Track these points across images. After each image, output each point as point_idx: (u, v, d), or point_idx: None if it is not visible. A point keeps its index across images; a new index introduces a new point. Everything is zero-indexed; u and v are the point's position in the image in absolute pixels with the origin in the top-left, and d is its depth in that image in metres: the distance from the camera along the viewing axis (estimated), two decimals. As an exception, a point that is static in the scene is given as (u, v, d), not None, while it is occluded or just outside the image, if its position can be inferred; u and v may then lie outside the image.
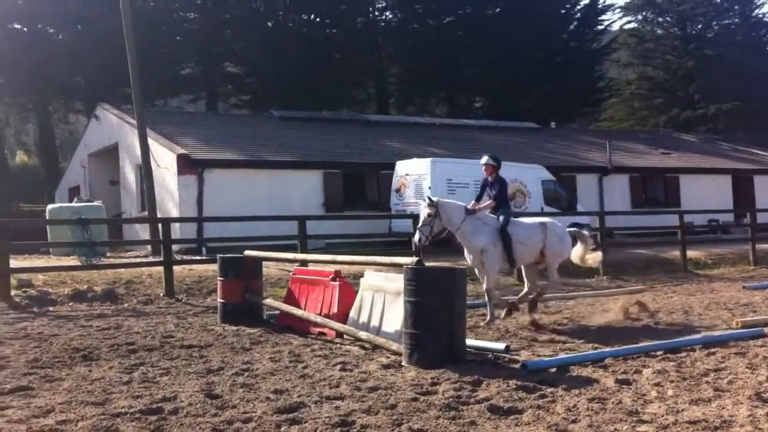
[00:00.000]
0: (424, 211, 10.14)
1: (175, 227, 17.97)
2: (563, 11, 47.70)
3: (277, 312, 10.42)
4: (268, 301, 10.77)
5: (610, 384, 6.49)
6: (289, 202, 20.89)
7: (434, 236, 10.21)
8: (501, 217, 10.32)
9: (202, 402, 6.00)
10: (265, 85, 39.75)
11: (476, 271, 10.62)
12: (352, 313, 9.00)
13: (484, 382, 6.46)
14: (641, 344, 8.29)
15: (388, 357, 7.67)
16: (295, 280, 10.52)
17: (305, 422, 5.41)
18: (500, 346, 7.91)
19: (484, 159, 10.90)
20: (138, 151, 20.88)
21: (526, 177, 22.57)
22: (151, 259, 16.15)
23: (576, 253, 11.18)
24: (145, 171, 20.15)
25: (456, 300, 7.29)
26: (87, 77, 33.69)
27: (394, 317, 8.15)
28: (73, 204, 21.96)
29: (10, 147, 42.74)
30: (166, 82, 36.50)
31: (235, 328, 9.87)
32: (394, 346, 7.62)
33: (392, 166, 22.43)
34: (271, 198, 21.27)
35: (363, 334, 8.27)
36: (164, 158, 21.95)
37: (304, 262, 11.34)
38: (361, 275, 9.61)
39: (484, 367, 7.10)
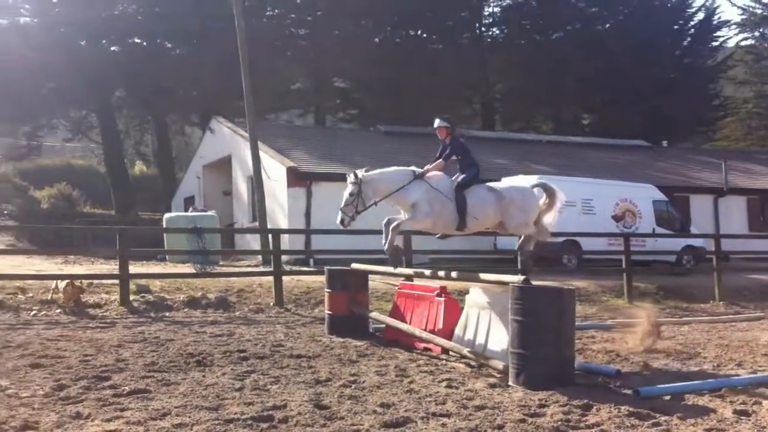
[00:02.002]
0: (347, 190, 9.52)
1: (285, 238, 18.41)
2: (676, 27, 46.34)
3: (383, 325, 10.54)
4: (374, 314, 10.90)
5: (728, 414, 6.26)
6: (395, 216, 21.02)
7: (360, 213, 9.64)
8: (461, 176, 9.68)
9: (311, 412, 6.14)
10: (371, 99, 40.25)
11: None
12: (458, 330, 9.01)
13: (594, 407, 6.35)
14: (761, 374, 7.95)
15: (494, 376, 7.65)
16: (401, 295, 10.62)
17: (412, 437, 5.48)
18: (611, 370, 7.75)
19: (436, 123, 10.18)
20: (250, 163, 21.55)
21: (637, 197, 22.04)
22: (261, 268, 16.60)
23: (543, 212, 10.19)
24: (257, 183, 20.75)
25: (564, 320, 7.20)
26: (202, 91, 34.94)
27: (500, 336, 8.12)
28: (189, 213, 22.85)
29: (130, 157, 44.68)
30: (277, 97, 37.46)
31: (341, 339, 10.04)
32: (501, 365, 7.58)
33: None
34: (376, 212, 21.45)
35: (468, 352, 8.27)
36: (275, 170, 22.54)
37: (409, 277, 11.43)
38: (466, 292, 9.61)
39: (594, 392, 6.97)
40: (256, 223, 21.39)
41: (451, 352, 8.80)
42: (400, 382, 7.39)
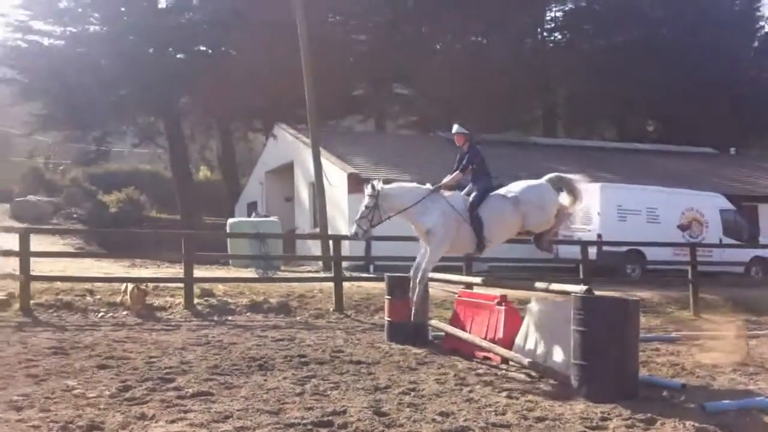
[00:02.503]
0: (364, 202, 9.46)
1: (345, 244, 18.48)
2: (745, 33, 45.12)
3: (442, 333, 10.52)
4: (434, 321, 10.89)
5: (796, 433, 6.09)
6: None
7: (374, 226, 9.57)
8: (472, 195, 9.47)
9: (370, 418, 6.16)
10: (432, 106, 40.21)
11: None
12: (518, 340, 8.94)
13: (659, 421, 6.21)
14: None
15: (555, 387, 7.56)
16: (461, 303, 10.57)
17: (471, 447, 5.46)
18: (676, 383, 7.59)
19: (454, 128, 10.07)
20: (311, 170, 21.77)
21: (704, 206, 21.56)
22: (322, 274, 16.75)
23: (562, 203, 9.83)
24: (318, 189, 20.95)
25: (628, 332, 7.07)
26: (265, 98, 35.40)
27: (561, 346, 8.01)
28: (252, 218, 23.19)
29: (195, 163, 45.52)
30: (339, 103, 37.70)
31: (401, 347, 10.05)
32: (562, 377, 7.50)
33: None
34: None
35: (529, 362, 8.20)
36: (336, 177, 22.72)
37: (469, 285, 11.38)
38: (527, 301, 9.53)
39: (658, 406, 6.82)
40: (317, 229, 21.58)
41: (511, 362, 8.73)
42: (459, 390, 7.36)
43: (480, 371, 8.50)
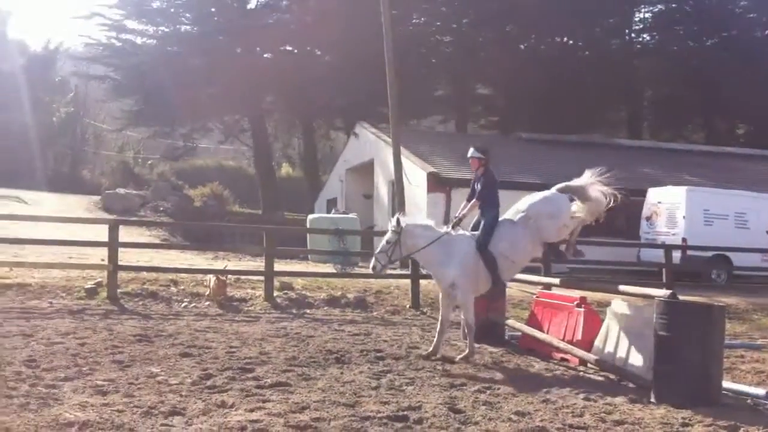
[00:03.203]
0: (386, 237, 9.15)
1: (422, 243, 18.50)
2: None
3: (519, 333, 10.43)
4: (511, 321, 10.80)
5: None
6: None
7: (393, 262, 9.34)
8: (479, 232, 9.04)
9: (446, 415, 6.16)
10: (514, 106, 39.84)
11: (440, 297, 9.38)
12: (597, 342, 8.78)
13: (741, 429, 6.03)
14: None
15: (634, 391, 7.40)
16: (539, 303, 10.46)
17: (547, 447, 5.40)
18: (760, 391, 7.34)
19: (470, 152, 9.58)
20: (392, 168, 21.80)
21: (795, 211, 20.71)
22: (399, 271, 16.77)
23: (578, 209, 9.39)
24: (397, 187, 20.93)
25: (712, 338, 6.89)
26: (348, 97, 35.71)
27: (642, 350, 7.85)
28: (331, 215, 23.42)
29: (278, 160, 46.25)
30: (420, 103, 37.74)
31: (477, 345, 9.99)
32: (642, 381, 7.35)
33: (643, 193, 21.58)
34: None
35: (608, 365, 8.05)
36: (416, 176, 22.73)
37: (548, 286, 11.25)
38: (607, 303, 9.36)
39: (742, 413, 6.62)
40: (396, 227, 21.62)
41: (589, 364, 8.59)
42: (536, 391, 7.29)
43: (557, 372, 8.40)
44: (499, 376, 8.03)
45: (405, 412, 6.20)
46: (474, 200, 9.29)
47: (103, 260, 13.85)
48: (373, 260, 9.18)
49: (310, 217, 23.39)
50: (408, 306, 13.90)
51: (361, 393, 6.89)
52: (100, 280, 13.48)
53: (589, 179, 9.47)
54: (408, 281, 14.46)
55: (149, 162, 46.13)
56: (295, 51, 38.31)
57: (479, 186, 9.38)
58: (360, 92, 34.15)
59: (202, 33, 35.92)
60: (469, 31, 39.80)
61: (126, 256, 14.08)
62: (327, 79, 35.10)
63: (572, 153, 27.78)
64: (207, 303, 13.02)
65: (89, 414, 5.83)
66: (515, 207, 9.46)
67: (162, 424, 5.68)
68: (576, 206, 9.42)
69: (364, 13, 31.94)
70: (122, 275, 13.60)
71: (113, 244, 13.27)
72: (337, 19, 33.40)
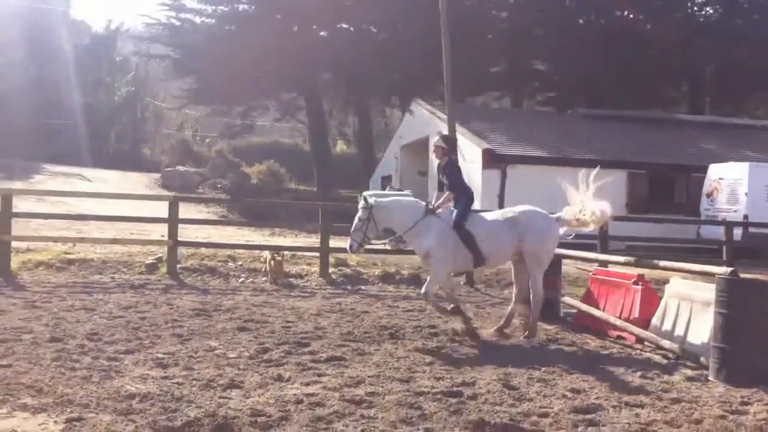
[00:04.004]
0: (357, 215, 9.09)
1: (477, 219, 18.43)
2: None
3: (574, 310, 10.34)
4: (566, 299, 10.71)
5: None
6: (589, 201, 20.44)
7: (374, 239, 9.33)
8: (454, 212, 8.95)
9: (500, 391, 6.16)
10: (571, 82, 39.18)
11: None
12: (655, 320, 8.66)
13: (803, 408, 5.91)
14: None
15: (692, 369, 7.30)
16: (595, 281, 10.34)
17: (603, 425, 5.36)
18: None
19: (435, 140, 9.50)
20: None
21: None
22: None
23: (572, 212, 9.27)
24: (452, 164, 20.92)
25: (774, 316, 6.73)
26: (403, 74, 35.56)
27: (701, 328, 7.73)
28: (386, 192, 23.44)
29: (333, 137, 46.41)
30: (476, 80, 37.37)
31: (531, 322, 9.95)
32: (701, 359, 7.23)
33: (704, 169, 21.15)
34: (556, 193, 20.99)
35: (666, 343, 7.94)
36: (471, 152, 22.61)
37: (604, 263, 11.10)
38: (665, 281, 9.22)
39: (805, 393, 6.49)
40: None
41: (646, 342, 8.48)
42: (591, 368, 7.23)
43: (613, 350, 8.32)
44: (553, 353, 7.99)
45: (459, 388, 6.22)
46: (447, 193, 9.16)
47: (163, 236, 14.14)
48: (349, 239, 9.14)
49: (365, 194, 23.46)
50: (462, 283, 13.87)
51: (416, 368, 6.93)
52: (160, 255, 13.78)
53: (580, 204, 9.35)
54: (463, 258, 14.41)
55: (207, 140, 46.78)
56: (351, 29, 38.24)
57: (446, 178, 9.32)
58: (415, 69, 33.97)
59: (259, 11, 36.09)
60: (527, 5, 39.17)
61: (185, 233, 14.35)
62: (382, 56, 35.00)
63: (632, 129, 27.32)
64: (264, 279, 13.20)
65: (150, 386, 5.99)
66: (509, 209, 9.55)
67: (220, 397, 5.80)
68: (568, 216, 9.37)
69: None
70: (182, 251, 13.88)
71: (173, 221, 13.53)
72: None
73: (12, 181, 25.35)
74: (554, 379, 6.69)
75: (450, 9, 21.29)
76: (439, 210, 9.05)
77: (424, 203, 9.25)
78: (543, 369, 7.09)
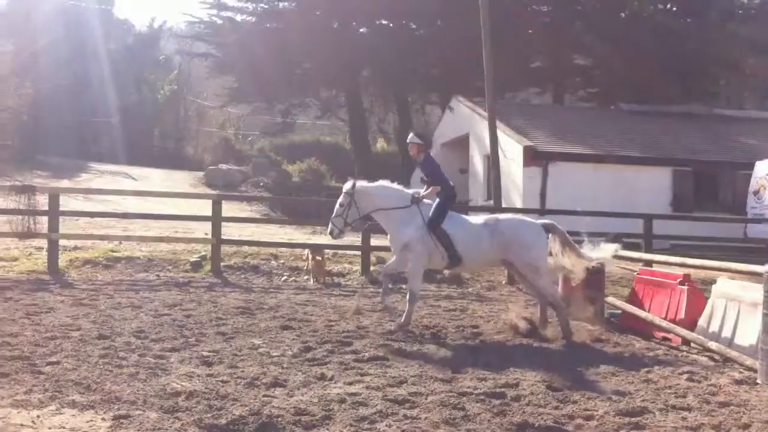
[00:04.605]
0: (339, 200, 9.16)
1: (519, 218, 18.30)
2: None
3: (619, 311, 10.23)
4: (610, 299, 10.59)
5: None
6: (633, 199, 20.18)
7: (354, 224, 9.28)
8: (431, 210, 8.92)
9: (544, 393, 6.13)
10: (613, 77, 38.66)
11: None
12: (701, 321, 8.54)
13: None
14: None
15: (741, 372, 7.18)
16: (640, 281, 10.22)
17: (648, 429, 5.31)
18: None
19: (409, 137, 9.50)
20: (487, 142, 21.62)
21: None
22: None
23: (559, 257, 9.05)
24: (493, 161, 20.75)
25: (825, 318, 6.59)
26: (443, 70, 35.45)
27: (749, 330, 7.60)
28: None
29: (373, 134, 46.43)
30: (516, 75, 37.09)
31: (575, 323, 9.84)
32: (749, 362, 7.11)
33: (750, 167, 20.72)
34: (614, 194, 20.77)
35: (713, 345, 7.82)
36: (511, 149, 22.46)
37: (649, 263, 10.96)
38: (711, 281, 9.07)
39: None
40: (491, 202, 21.47)
41: (692, 344, 8.36)
42: (636, 370, 7.15)
43: (659, 352, 8.21)
44: (598, 354, 7.91)
45: (502, 389, 6.20)
46: (432, 187, 9.12)
47: (206, 234, 14.31)
48: (330, 225, 9.20)
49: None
50: (504, 282, 13.81)
51: (458, 369, 6.92)
52: (204, 253, 13.94)
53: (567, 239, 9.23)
54: (504, 257, 14.33)
55: (249, 138, 47.12)
56: (391, 25, 38.22)
57: (425, 175, 9.36)
58: (455, 65, 33.84)
59: (299, 8, 36.26)
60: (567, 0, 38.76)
61: (228, 231, 14.50)
62: (422, 52, 34.92)
63: (675, 125, 26.88)
64: (306, 277, 13.28)
65: (195, 384, 6.08)
66: (490, 216, 9.58)
67: (264, 395, 5.86)
68: (554, 246, 9.17)
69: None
70: (225, 249, 14.02)
71: (217, 219, 13.69)
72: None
73: (59, 179, 25.82)
74: (599, 381, 6.64)
75: (491, 4, 21.17)
76: (427, 200, 9.08)
77: (410, 191, 9.28)
78: (588, 370, 7.03)
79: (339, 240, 9.85)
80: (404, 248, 8.96)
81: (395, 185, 9.44)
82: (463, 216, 9.49)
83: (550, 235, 9.20)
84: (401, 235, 8.95)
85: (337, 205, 9.16)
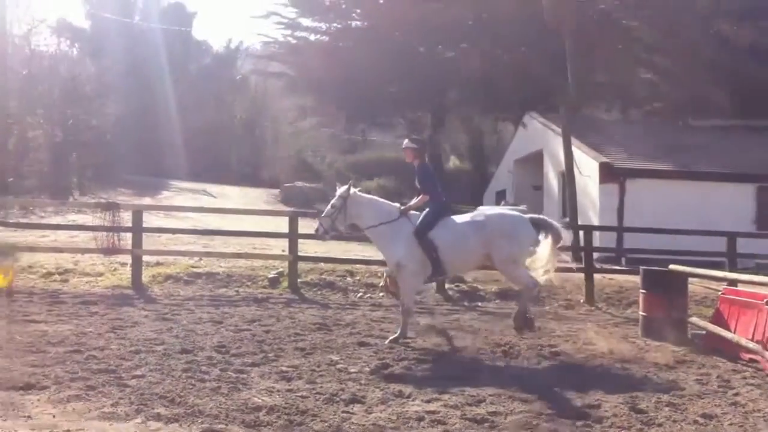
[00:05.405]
0: (332, 201, 9.13)
1: (596, 235, 18.04)
2: None
3: (703, 331, 9.94)
4: (694, 319, 10.31)
5: None
6: (714, 217, 19.62)
7: (340, 230, 9.22)
8: (420, 219, 8.82)
9: (627, 415, 6.01)
10: (682, 92, 37.76)
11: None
12: (792, 343, 8.22)
13: None
14: None
15: (836, 397, 6.89)
16: (725, 301, 9.91)
17: (738, 453, 5.15)
18: None
19: (405, 143, 9.32)
20: (561, 158, 21.42)
21: None
22: (570, 265, 16.43)
23: (541, 254, 8.86)
24: (568, 178, 20.58)
25: None
26: (521, 89, 35.22)
27: (843, 354, 7.29)
28: (501, 207, 23.25)
29: (446, 152, 46.41)
30: (589, 91, 36.60)
31: (657, 343, 9.62)
32: (844, 387, 6.83)
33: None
34: (694, 211, 20.24)
35: (804, 368, 7.53)
36: (586, 166, 22.16)
37: (734, 282, 10.63)
38: (803, 301, 8.74)
39: None
40: (567, 219, 21.22)
41: (782, 367, 8.06)
42: (723, 393, 6.95)
43: (746, 374, 7.94)
44: (682, 376, 7.70)
45: (584, 410, 6.10)
46: (422, 195, 9.08)
47: (283, 251, 14.51)
48: (317, 223, 9.26)
49: (479, 209, 23.32)
50: (582, 301, 13.59)
51: (537, 389, 6.82)
52: (281, 269, 14.14)
53: (565, 236, 9.40)
54: (581, 275, 14.12)
55: (324, 156, 47.70)
56: (473, 48, 38.18)
57: (417, 180, 9.25)
58: (532, 84, 33.60)
59: (373, 28, 36.57)
60: (639, 14, 38.03)
61: (304, 247, 14.66)
62: (505, 74, 34.74)
63: (752, 140, 26.09)
64: (381, 294, 13.33)
65: (276, 399, 6.16)
66: (478, 211, 9.51)
67: (343, 411, 5.91)
68: (544, 242, 9.01)
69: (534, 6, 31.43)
70: (302, 265, 14.18)
71: (293, 236, 13.87)
72: (509, 16, 32.95)
73: (141, 197, 26.62)
74: (684, 404, 6.46)
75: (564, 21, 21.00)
76: (411, 212, 9.06)
77: (398, 205, 9.26)
78: (672, 392, 6.86)
79: (323, 240, 9.84)
80: (397, 267, 8.97)
81: (385, 201, 9.45)
82: (451, 217, 9.31)
83: (542, 233, 9.05)
84: (393, 255, 8.98)
85: (329, 206, 9.25)
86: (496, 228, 8.96)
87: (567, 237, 9.38)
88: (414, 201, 9.19)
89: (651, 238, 17.64)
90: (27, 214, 22.44)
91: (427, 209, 9.00)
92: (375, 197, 9.49)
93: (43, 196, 25.28)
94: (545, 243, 9.02)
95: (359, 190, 9.44)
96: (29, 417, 5.48)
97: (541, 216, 9.66)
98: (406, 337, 8.97)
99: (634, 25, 36.91)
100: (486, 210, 9.49)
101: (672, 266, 10.75)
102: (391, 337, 8.99)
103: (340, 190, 9.23)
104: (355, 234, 10.35)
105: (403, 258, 8.86)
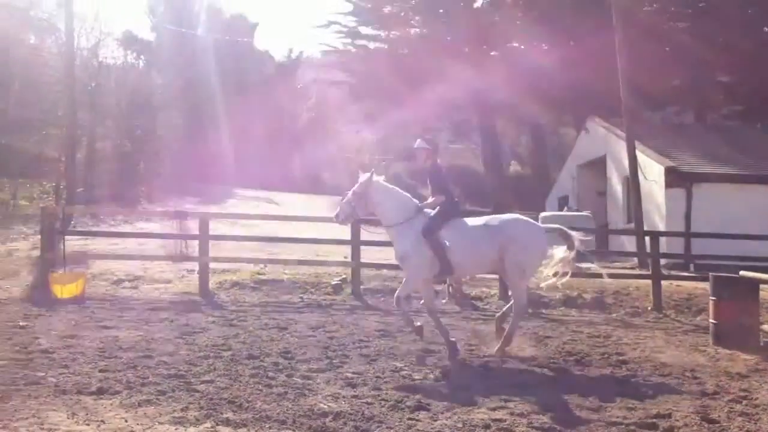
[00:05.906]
0: (354, 188, 8.92)
1: (662, 241, 17.68)
2: None
3: (776, 339, 9.68)
4: (766, 327, 10.04)
5: None
6: (785, 221, 19.06)
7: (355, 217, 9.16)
8: (428, 218, 8.69)
9: (698, 425, 5.90)
10: (759, 94, 36.76)
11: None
12: None
13: None
14: None
15: None
16: (799, 308, 9.64)
17: (817, 466, 5.00)
18: None
19: (417, 143, 9.18)
20: (625, 163, 21.07)
21: None
22: (637, 271, 16.17)
23: (553, 262, 8.82)
24: (633, 183, 20.23)
25: None
26: (576, 91, 34.86)
27: None
28: (563, 213, 23.01)
29: (506, 157, 46.21)
30: (654, 94, 35.96)
31: (729, 351, 9.39)
32: None
33: None
34: (765, 215, 19.69)
35: None
36: (652, 171, 21.77)
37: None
38: None
39: None
40: (632, 225, 20.86)
41: None
42: (799, 403, 6.75)
43: (823, 384, 7.70)
44: (755, 385, 7.50)
45: (654, 420, 6.00)
46: (436, 197, 8.97)
47: (346, 257, 14.61)
48: (338, 208, 9.11)
49: (542, 215, 23.09)
50: (649, 308, 13.32)
51: (605, 397, 6.73)
52: (344, 276, 14.24)
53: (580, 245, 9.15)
54: (648, 282, 13.87)
55: (383, 163, 47.90)
56: (522, 47, 37.97)
57: (429, 180, 9.24)
58: (589, 85, 33.19)
59: (430, 35, 36.68)
60: (707, 14, 37.24)
61: (366, 254, 14.72)
62: (555, 74, 34.46)
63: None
64: (444, 300, 13.31)
65: (341, 405, 6.22)
66: (493, 216, 9.23)
67: (409, 418, 5.93)
68: (558, 249, 9.07)
69: (591, 4, 31.06)
70: (365, 272, 14.26)
71: (356, 242, 13.95)
72: (562, 11, 32.68)
73: (207, 205, 27.09)
74: (758, 414, 6.30)
75: (624, 22, 20.66)
76: (428, 210, 8.96)
77: (416, 201, 9.16)
78: (745, 402, 6.70)
79: (344, 225, 9.86)
80: (402, 260, 8.92)
81: (405, 196, 9.27)
82: (463, 219, 9.16)
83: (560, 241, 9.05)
84: (399, 248, 8.90)
85: (350, 193, 9.09)
86: (511, 233, 8.81)
87: (581, 247, 9.15)
88: (429, 201, 9.12)
89: (720, 243, 17.13)
90: (97, 222, 23.10)
91: (438, 208, 8.95)
92: (395, 188, 9.37)
93: (113, 206, 25.94)
94: (559, 250, 9.03)
95: (382, 179, 9.42)
96: (102, 421, 5.63)
97: (559, 226, 9.57)
98: (449, 339, 8.78)
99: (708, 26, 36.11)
100: (503, 216, 9.28)
101: (743, 272, 10.50)
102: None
103: (362, 177, 9.13)
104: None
105: (407, 252, 8.81)
